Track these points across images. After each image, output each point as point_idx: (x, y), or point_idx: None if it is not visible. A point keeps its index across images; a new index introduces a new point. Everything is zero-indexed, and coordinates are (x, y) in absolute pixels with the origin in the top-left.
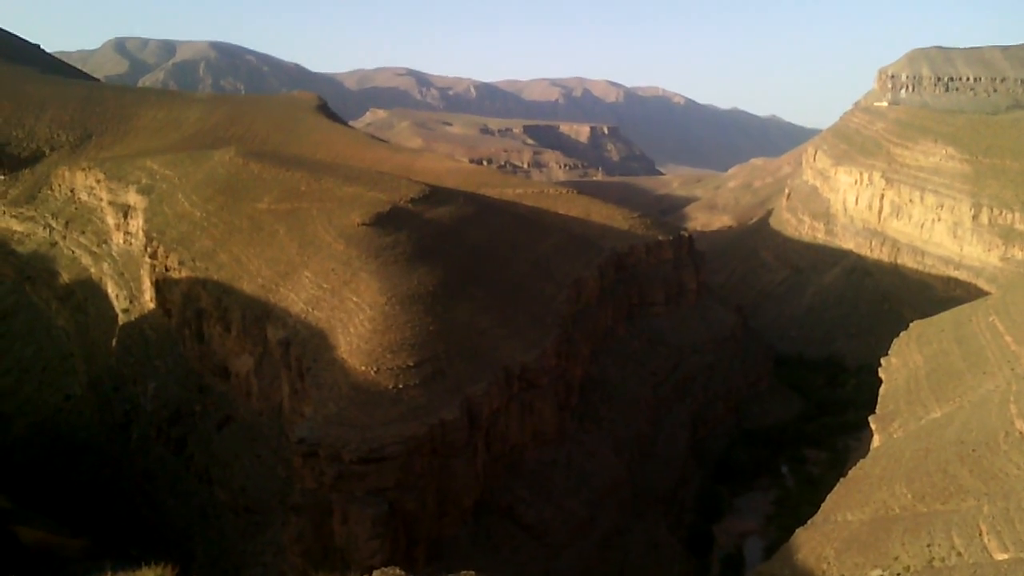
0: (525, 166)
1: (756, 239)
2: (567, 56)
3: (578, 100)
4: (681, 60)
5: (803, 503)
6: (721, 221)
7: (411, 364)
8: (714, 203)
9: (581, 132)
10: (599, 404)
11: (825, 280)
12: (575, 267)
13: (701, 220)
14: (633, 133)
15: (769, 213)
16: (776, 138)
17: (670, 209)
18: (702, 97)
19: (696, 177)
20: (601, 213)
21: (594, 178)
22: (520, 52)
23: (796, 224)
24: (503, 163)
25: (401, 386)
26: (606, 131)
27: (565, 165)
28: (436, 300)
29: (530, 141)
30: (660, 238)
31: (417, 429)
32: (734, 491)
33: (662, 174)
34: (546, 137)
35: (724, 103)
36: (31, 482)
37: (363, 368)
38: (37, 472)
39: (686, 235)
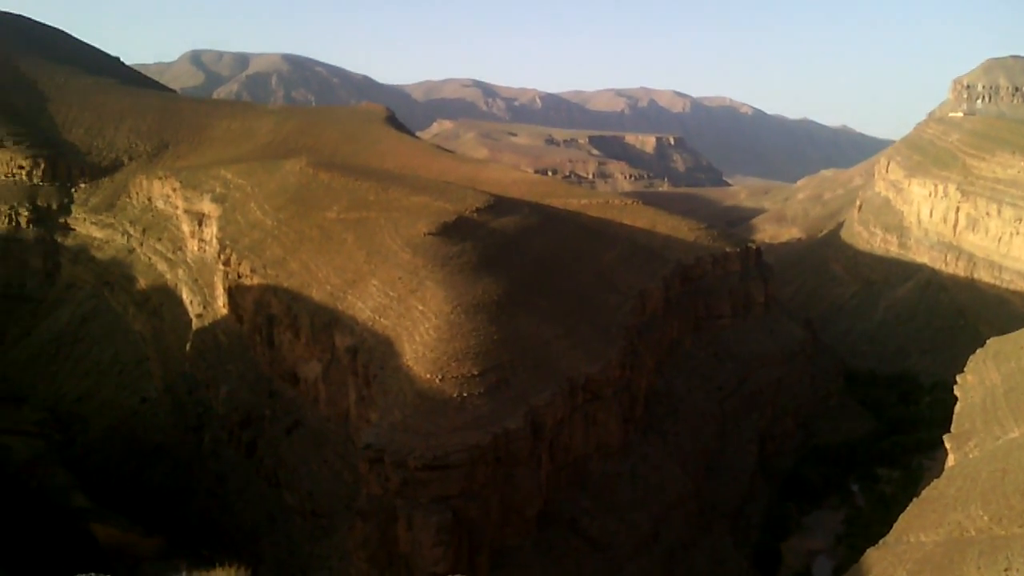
0: (590, 177)
1: (826, 252)
2: (633, 66)
3: (644, 110)
4: (749, 70)
5: (874, 523)
6: (790, 233)
7: (475, 373)
8: (783, 215)
9: (647, 143)
10: (664, 417)
11: (898, 294)
12: (640, 278)
13: (769, 232)
14: (700, 144)
15: (840, 225)
16: (847, 149)
17: (737, 221)
18: (771, 107)
19: (764, 188)
20: (667, 224)
21: (660, 189)
22: (586, 62)
23: (868, 237)
24: (568, 174)
25: (465, 395)
26: (672, 141)
27: (630, 176)
28: (501, 309)
29: (595, 152)
30: (727, 250)
31: (481, 438)
32: (802, 509)
33: (729, 185)
34: (611, 148)
35: (793, 113)
36: (107, 482)
37: (428, 376)
38: (113, 472)
39: (754, 247)
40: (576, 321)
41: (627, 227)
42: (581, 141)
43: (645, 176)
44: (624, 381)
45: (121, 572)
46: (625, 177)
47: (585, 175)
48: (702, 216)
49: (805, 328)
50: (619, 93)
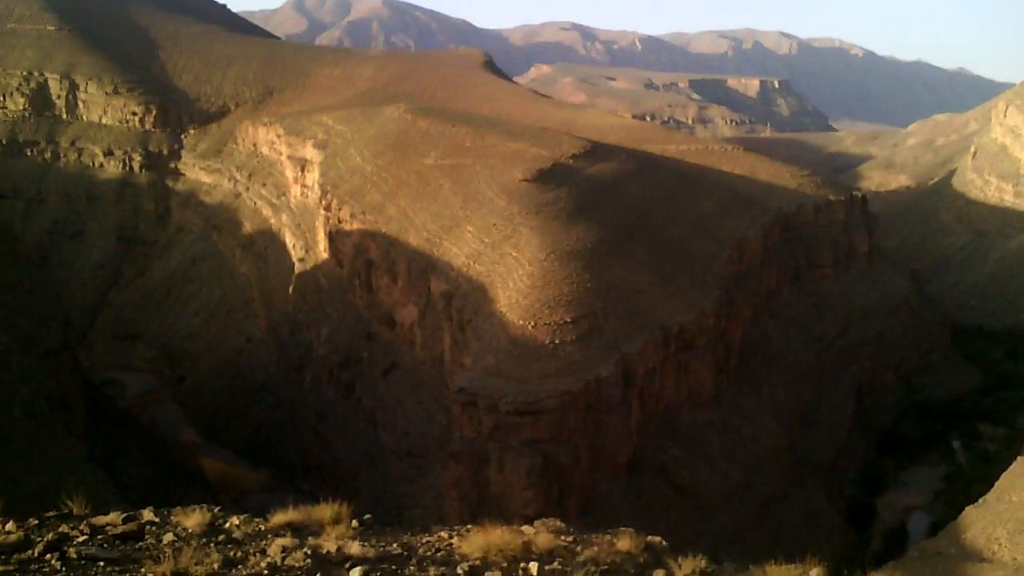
0: (689, 122)
1: (936, 201)
2: (737, 6)
3: (748, 53)
4: (862, 9)
5: (975, 480)
6: (898, 181)
7: (568, 320)
8: (891, 162)
9: (750, 86)
10: (759, 368)
11: (1011, 246)
12: (738, 226)
13: (876, 180)
14: (806, 87)
15: (951, 173)
16: (963, 93)
17: (843, 168)
18: (883, 48)
19: (872, 134)
20: (768, 171)
21: (762, 134)
22: (688, 3)
23: (981, 185)
24: (667, 119)
25: (558, 341)
26: (776, 85)
27: (731, 121)
28: (595, 257)
29: (695, 96)
30: (830, 198)
31: (572, 384)
32: (900, 464)
33: (836, 131)
34: (712, 92)
35: (907, 55)
36: (214, 417)
37: (521, 322)
38: (220, 408)
39: (859, 195)
40: (671, 269)
41: (726, 174)
42: (681, 85)
43: (747, 121)
44: (718, 331)
45: (227, 504)
46: (726, 122)
47: (684, 120)
48: (805, 163)
49: (910, 280)
50: (722, 35)
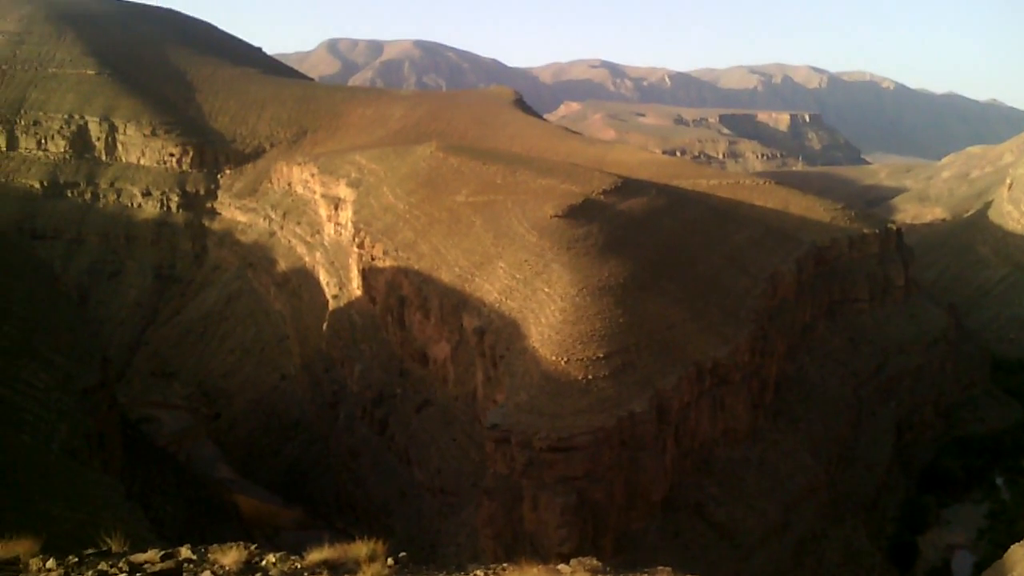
0: (720, 156)
1: (972, 233)
2: (767, 42)
3: (777, 87)
4: (892, 42)
5: (1020, 517)
6: (933, 214)
7: (601, 355)
8: (925, 194)
9: (780, 120)
10: (795, 403)
11: None
12: (772, 261)
13: (911, 212)
14: (837, 121)
15: (988, 205)
16: (997, 124)
17: (876, 201)
18: (914, 81)
19: (906, 167)
20: (800, 205)
21: (793, 168)
22: (717, 40)
23: (1019, 217)
24: (697, 154)
25: (591, 377)
26: (807, 119)
27: (762, 155)
28: (627, 292)
29: (726, 131)
30: (865, 231)
31: (606, 420)
32: (942, 502)
33: (868, 164)
34: (743, 126)
35: (939, 87)
36: (249, 454)
37: (554, 358)
38: (254, 445)
39: (893, 228)
40: (704, 304)
41: (758, 208)
42: (711, 120)
43: (778, 155)
44: (753, 366)
45: (261, 541)
46: (757, 156)
47: (715, 155)
48: (838, 196)
49: (948, 313)
50: (752, 70)
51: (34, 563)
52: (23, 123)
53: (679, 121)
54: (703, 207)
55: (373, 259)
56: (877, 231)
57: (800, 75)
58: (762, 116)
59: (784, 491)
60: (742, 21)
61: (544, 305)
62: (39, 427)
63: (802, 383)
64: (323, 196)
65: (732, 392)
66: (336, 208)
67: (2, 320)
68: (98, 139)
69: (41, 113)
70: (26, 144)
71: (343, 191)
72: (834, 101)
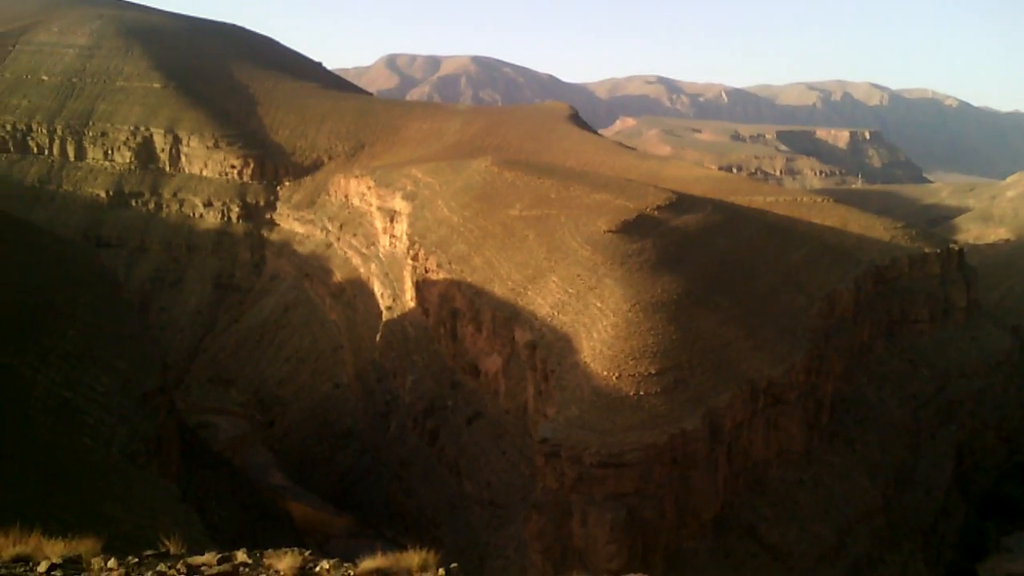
0: (777, 173)
1: None
2: (826, 58)
3: (837, 104)
4: (955, 59)
5: None
6: (997, 234)
7: (653, 372)
8: (989, 214)
9: (839, 137)
10: (852, 425)
11: None
12: (829, 279)
13: (974, 232)
14: (898, 138)
15: None
16: None
17: (938, 220)
18: (978, 99)
19: (969, 185)
20: (859, 223)
21: (853, 186)
22: (775, 55)
23: None
24: (754, 170)
25: (642, 393)
26: (867, 136)
27: (821, 172)
28: (680, 308)
29: (783, 147)
30: (926, 251)
31: (657, 437)
32: (1002, 529)
33: (930, 182)
34: (801, 143)
35: (1004, 105)
36: (302, 461)
37: (605, 373)
38: (308, 453)
39: (955, 248)
40: (759, 322)
41: (816, 226)
42: (768, 137)
43: (837, 173)
44: (809, 386)
45: (312, 547)
46: (815, 174)
47: (772, 172)
48: (899, 215)
49: (1012, 336)
50: (811, 86)
51: (96, 562)
52: (91, 134)
53: (736, 137)
54: (759, 224)
55: (427, 271)
56: (938, 251)
57: (860, 92)
58: (821, 133)
59: (839, 514)
60: (801, 38)
61: (596, 320)
62: (100, 430)
63: (859, 404)
64: (379, 208)
65: (787, 412)
66: (391, 220)
67: (67, 325)
68: (162, 151)
69: (108, 125)
70: (93, 155)
71: (398, 204)
72: (895, 118)
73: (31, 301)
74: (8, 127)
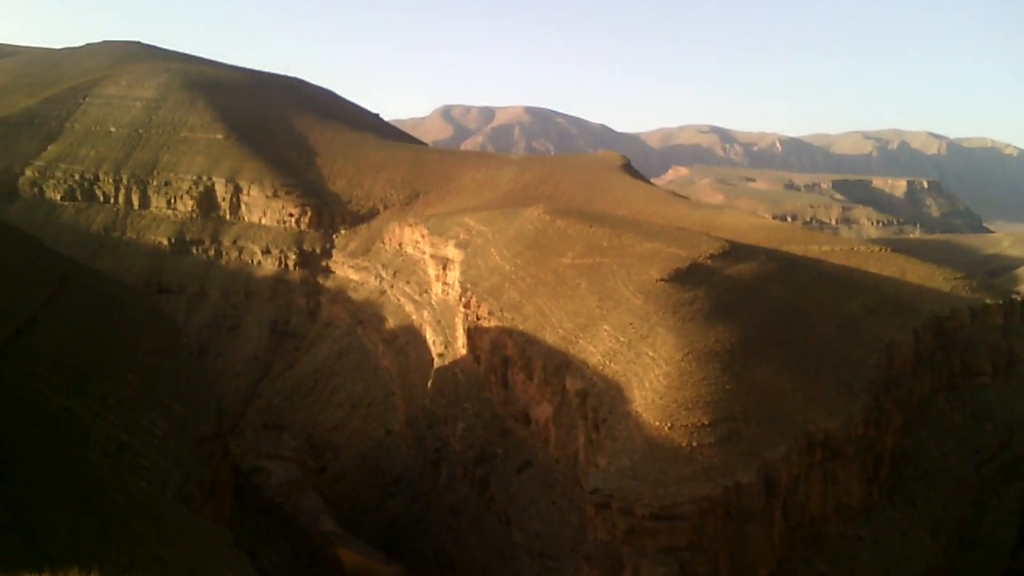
0: (833, 223)
1: None
2: (882, 107)
3: (894, 153)
4: (1014, 107)
5: None
6: None
7: (706, 423)
8: None
9: (896, 187)
10: (912, 480)
11: None
12: (887, 330)
13: None
14: (957, 187)
15: None
16: None
17: (1000, 270)
18: None
19: None
20: (918, 273)
21: (911, 236)
22: (830, 104)
23: None
24: (809, 219)
25: (695, 444)
26: (925, 185)
27: (878, 222)
28: (734, 358)
29: (839, 196)
30: (987, 301)
31: (711, 490)
32: None
33: (991, 232)
34: (857, 192)
35: None
36: (353, 508)
37: (657, 423)
38: (358, 499)
39: (1018, 299)
40: (815, 373)
41: (873, 275)
42: (824, 186)
43: (894, 222)
44: (867, 439)
45: None
46: (872, 223)
47: (828, 221)
48: (959, 265)
49: None
50: (867, 135)
51: None
52: (155, 183)
53: (790, 186)
54: (815, 273)
55: (478, 319)
56: (1001, 301)
57: (918, 141)
58: (877, 182)
59: (900, 572)
60: (857, 86)
61: (648, 369)
62: (155, 473)
63: (920, 459)
64: (432, 256)
65: (845, 466)
66: (444, 268)
67: (126, 369)
68: (223, 199)
69: (172, 174)
70: (157, 203)
71: (451, 251)
72: (954, 167)
73: (93, 346)
74: (76, 176)
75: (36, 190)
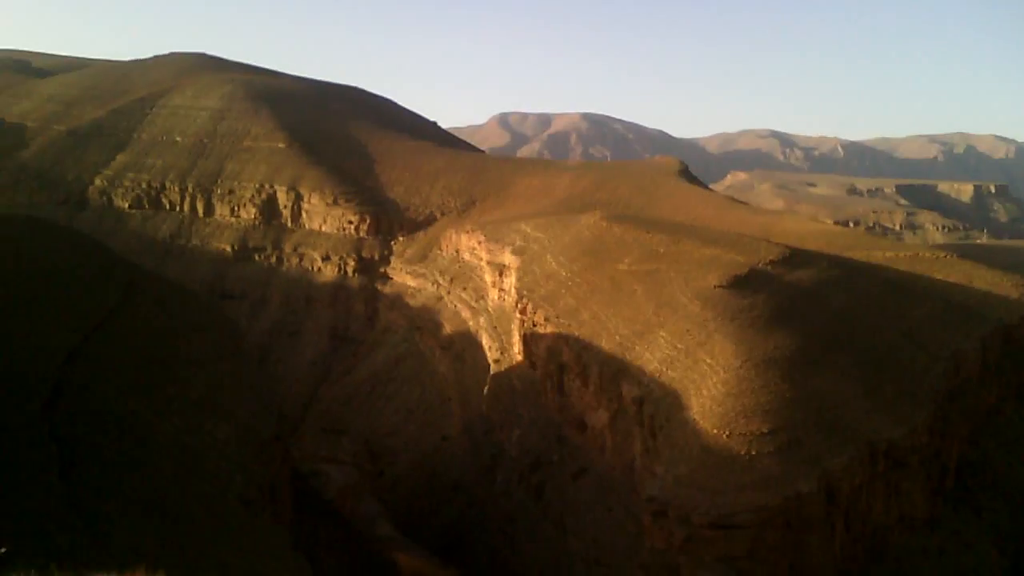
0: (897, 228)
1: None
2: (947, 110)
3: (960, 157)
4: None
5: None
6: None
7: (765, 431)
8: None
9: (963, 191)
10: (978, 491)
11: None
12: (953, 338)
13: None
14: None
15: None
16: None
17: None
18: None
19: None
20: (986, 279)
21: (978, 241)
22: (894, 107)
23: None
24: (872, 224)
25: (754, 452)
26: (993, 189)
27: (943, 227)
28: (794, 366)
29: (903, 201)
30: None
31: (770, 499)
32: None
33: None
34: (921, 197)
35: None
36: (409, 513)
37: (715, 431)
38: (415, 504)
39: None
40: (878, 382)
41: (939, 282)
42: (887, 190)
43: (960, 227)
44: (932, 449)
45: None
46: (937, 228)
47: (891, 226)
48: None
49: None
50: (932, 139)
51: None
52: (219, 192)
53: (852, 191)
54: (878, 280)
55: (535, 325)
56: None
57: (985, 144)
58: (943, 186)
59: None
60: (921, 89)
61: (706, 376)
62: (218, 476)
63: (986, 470)
64: (488, 263)
65: (908, 476)
66: (500, 274)
67: (191, 375)
68: (285, 207)
69: (235, 183)
70: (221, 211)
71: (508, 258)
72: (1022, 171)
73: (159, 350)
74: (144, 185)
75: (105, 199)
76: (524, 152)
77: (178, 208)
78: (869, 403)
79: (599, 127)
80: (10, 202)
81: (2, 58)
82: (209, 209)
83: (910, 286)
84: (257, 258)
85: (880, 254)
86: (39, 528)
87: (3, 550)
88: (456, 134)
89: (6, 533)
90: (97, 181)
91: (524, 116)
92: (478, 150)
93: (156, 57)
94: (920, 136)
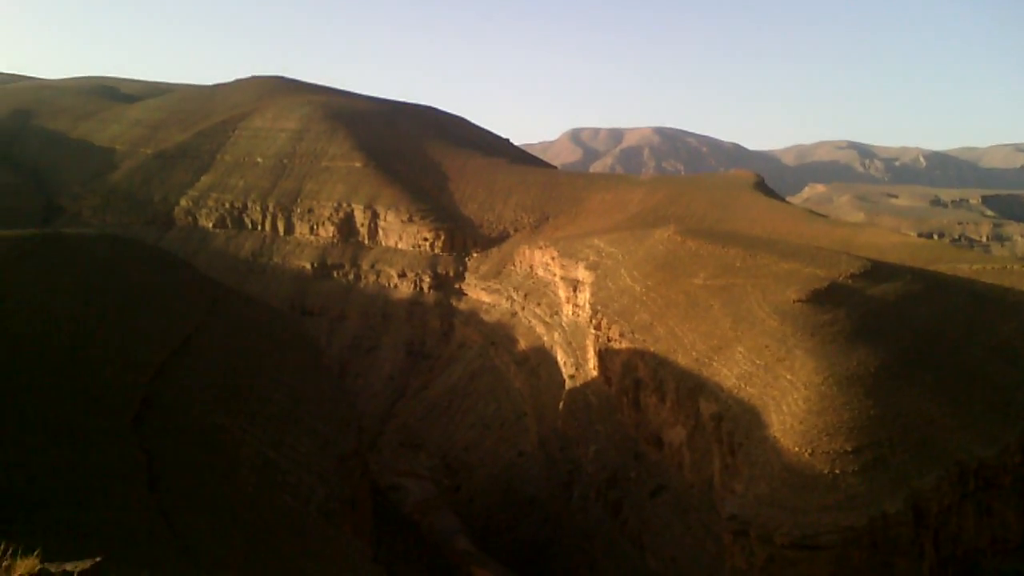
0: (984, 240)
1: None
2: None
3: None
4: None
5: None
6: None
7: (849, 449)
8: None
9: None
10: None
11: None
12: None
13: None
14: None
15: None
16: None
17: None
18: None
19: None
20: None
21: None
22: (978, 116)
23: None
24: (957, 237)
25: (838, 472)
26: None
27: None
28: (878, 383)
29: (989, 212)
30: None
31: (856, 519)
32: None
33: None
34: (1009, 207)
35: None
36: (486, 528)
37: (796, 449)
38: (492, 519)
39: None
40: (967, 399)
41: None
42: (972, 201)
43: None
44: None
45: None
46: None
47: (978, 238)
48: None
49: None
50: (1019, 148)
51: None
52: (299, 211)
53: (936, 202)
54: (964, 293)
55: (609, 340)
56: None
57: None
58: None
59: None
60: (1007, 97)
61: (786, 393)
62: (300, 489)
63: None
64: (562, 278)
65: (1001, 497)
66: (574, 290)
67: (274, 390)
68: (362, 225)
69: (314, 202)
70: (301, 230)
71: (581, 273)
72: None
73: (243, 366)
74: (227, 205)
75: (190, 219)
76: (596, 167)
77: (260, 227)
78: (957, 421)
79: (672, 141)
80: (101, 222)
81: (92, 84)
82: (289, 228)
83: (998, 299)
84: (336, 275)
85: (966, 267)
86: (129, 538)
87: (97, 559)
88: (528, 151)
89: (98, 543)
90: (183, 201)
91: (596, 131)
92: (550, 166)
93: (237, 81)
94: (1006, 145)
